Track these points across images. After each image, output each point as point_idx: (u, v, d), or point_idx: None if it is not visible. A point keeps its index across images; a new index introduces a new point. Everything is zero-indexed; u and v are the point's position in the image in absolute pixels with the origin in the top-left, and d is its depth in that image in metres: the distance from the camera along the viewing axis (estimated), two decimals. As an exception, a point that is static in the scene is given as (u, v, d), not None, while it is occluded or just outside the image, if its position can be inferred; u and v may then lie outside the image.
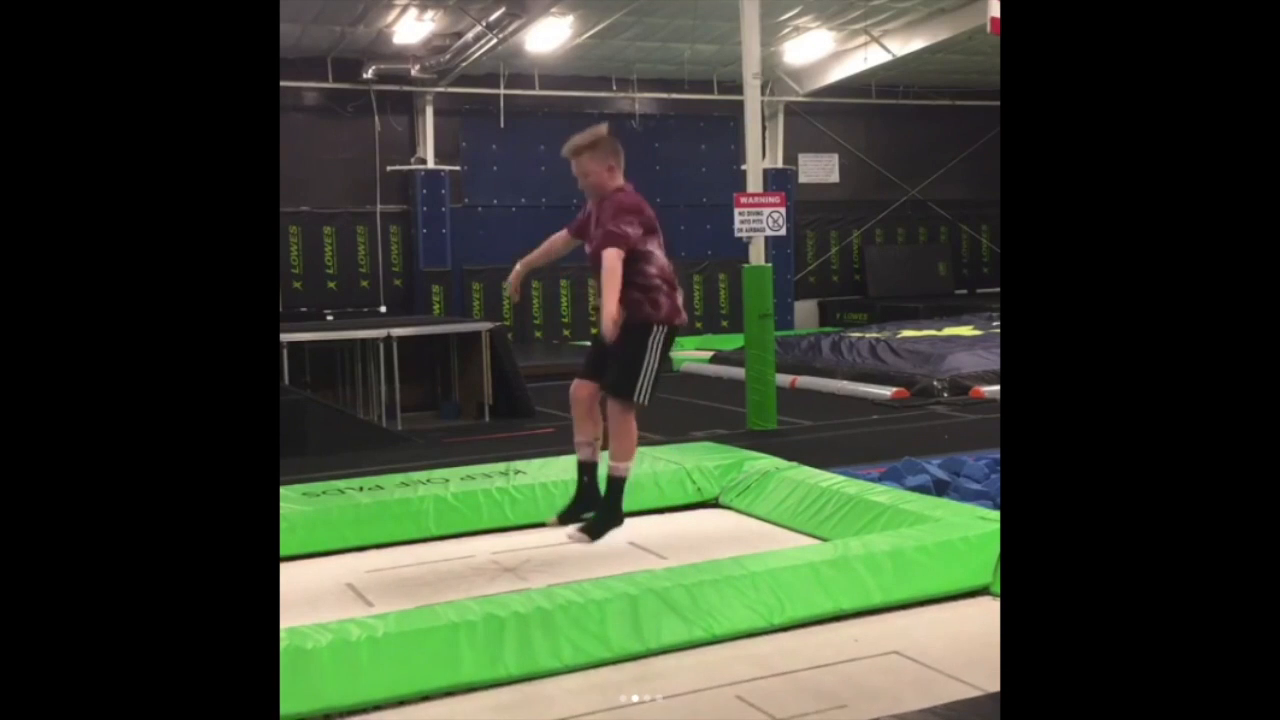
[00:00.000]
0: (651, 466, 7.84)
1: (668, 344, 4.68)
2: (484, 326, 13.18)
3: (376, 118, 19.99)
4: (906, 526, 6.36)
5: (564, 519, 4.86)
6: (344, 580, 6.62)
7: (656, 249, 4.65)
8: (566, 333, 21.15)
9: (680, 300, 4.81)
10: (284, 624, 4.11)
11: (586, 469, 4.96)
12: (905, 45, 19.98)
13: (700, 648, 5.14)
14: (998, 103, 2.91)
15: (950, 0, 18.32)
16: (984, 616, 5.45)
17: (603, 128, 4.71)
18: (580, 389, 4.77)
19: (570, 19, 17.94)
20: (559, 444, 10.44)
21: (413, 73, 19.23)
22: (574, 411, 4.84)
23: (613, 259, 4.54)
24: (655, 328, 4.56)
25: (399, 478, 8.18)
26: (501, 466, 8.43)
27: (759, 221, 11.26)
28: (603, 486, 4.97)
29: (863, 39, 20.29)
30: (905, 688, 4.72)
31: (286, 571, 5.92)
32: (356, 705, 4.65)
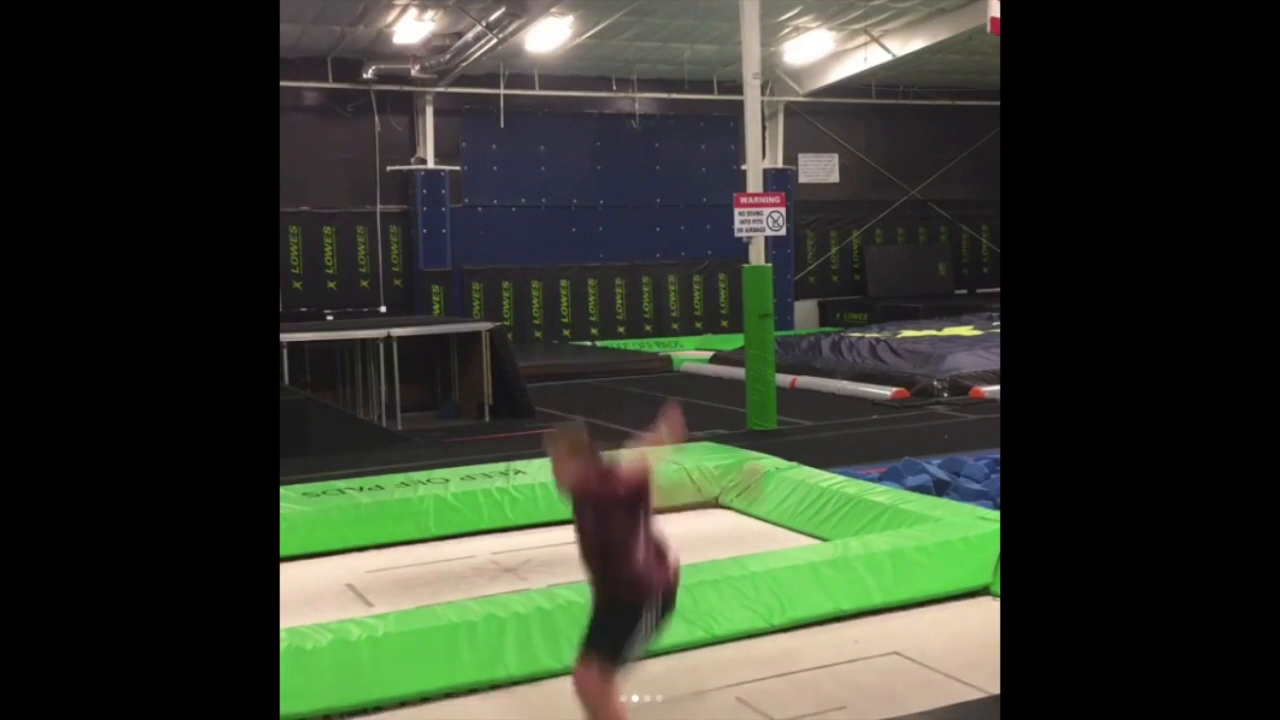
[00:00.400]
0: (651, 466, 7.83)
1: (665, 608, 3.95)
2: (484, 326, 13.17)
3: (376, 118, 20.00)
4: (906, 526, 6.36)
5: None
6: (344, 580, 6.62)
7: (638, 531, 3.86)
8: (566, 333, 21.15)
9: (673, 561, 3.99)
10: (284, 624, 4.11)
11: None
12: (905, 45, 19.99)
13: (701, 648, 5.14)
14: (998, 103, 2.91)
15: (950, 0, 18.32)
16: (984, 616, 5.44)
17: (570, 432, 4.07)
18: (584, 682, 3.84)
19: (570, 19, 17.94)
20: (559, 444, 10.42)
21: (413, 73, 19.23)
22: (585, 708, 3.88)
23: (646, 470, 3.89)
24: (648, 601, 3.88)
25: (399, 478, 8.18)
26: (501, 466, 8.43)
27: (759, 221, 11.26)
28: None
29: (863, 39, 20.29)
30: (905, 688, 4.72)
31: (286, 571, 5.92)
32: (356, 705, 4.65)
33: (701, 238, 21.94)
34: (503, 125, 20.71)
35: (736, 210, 11.31)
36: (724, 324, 22.20)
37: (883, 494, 7.09)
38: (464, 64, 18.95)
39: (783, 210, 11.44)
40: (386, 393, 12.70)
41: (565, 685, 4.64)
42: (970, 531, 6.04)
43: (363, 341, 13.00)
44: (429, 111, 20.29)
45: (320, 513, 7.28)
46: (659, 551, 3.98)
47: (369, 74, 19.36)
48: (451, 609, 5.08)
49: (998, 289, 20.86)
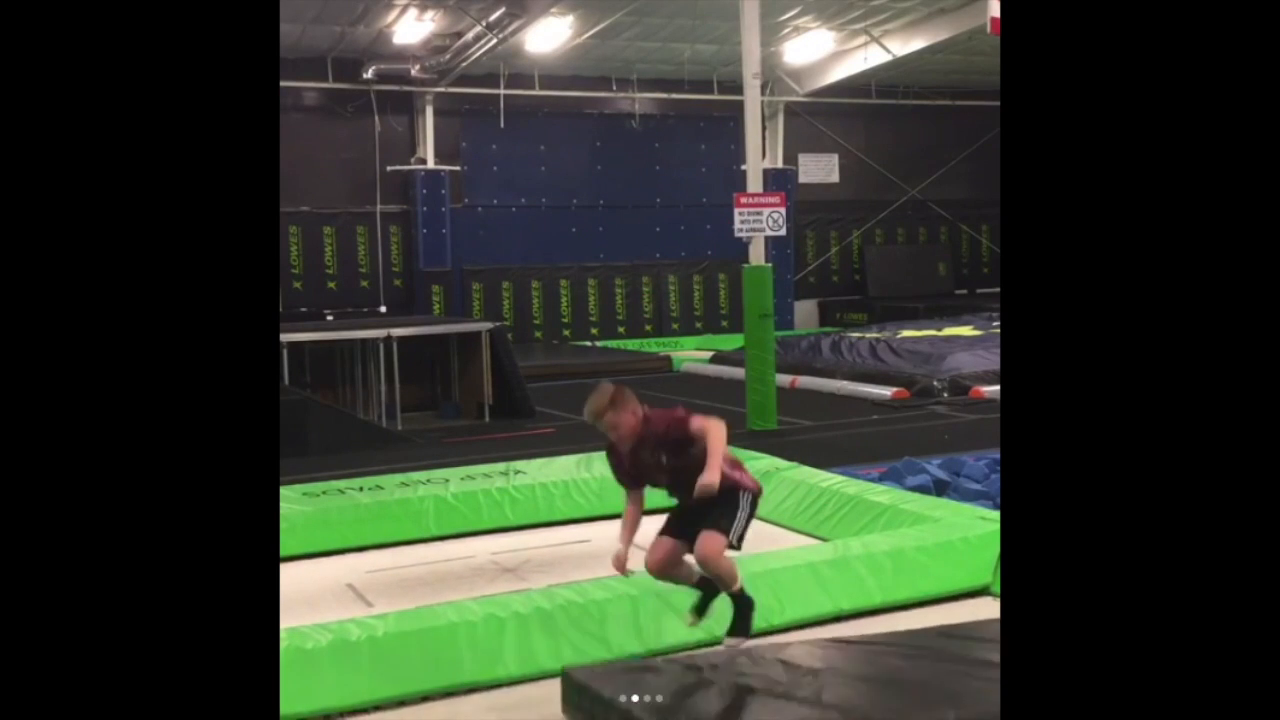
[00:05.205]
0: (651, 466, 7.84)
1: (753, 509, 4.85)
2: (484, 326, 13.17)
3: (376, 118, 20.00)
4: (906, 526, 6.36)
5: (698, 612, 4.92)
6: (344, 580, 6.61)
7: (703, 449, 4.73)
8: (566, 333, 21.15)
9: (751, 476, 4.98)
10: (284, 624, 4.11)
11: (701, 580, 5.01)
12: (905, 45, 19.99)
13: (701, 648, 5.13)
14: (998, 103, 2.91)
15: (950, 0, 18.32)
16: (984, 616, 5.44)
17: (606, 384, 4.81)
18: (659, 549, 4.78)
19: (570, 19, 17.95)
20: (559, 444, 10.44)
21: (413, 73, 19.24)
22: (658, 575, 4.85)
23: (718, 429, 4.67)
24: (742, 491, 4.77)
25: (399, 478, 8.18)
26: (501, 466, 8.42)
27: (759, 221, 11.26)
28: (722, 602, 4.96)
29: (863, 39, 20.30)
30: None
31: (286, 571, 5.92)
32: (356, 705, 4.64)
33: (701, 238, 21.94)
34: (503, 125, 20.71)
35: (736, 210, 11.30)
36: (724, 324, 22.21)
37: (883, 494, 7.09)
38: (464, 64, 18.95)
39: (783, 210, 11.44)
40: (386, 393, 12.70)
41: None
42: (970, 531, 6.04)
43: (363, 341, 13.00)
44: (429, 111, 20.30)
45: (320, 513, 7.28)
46: (735, 464, 4.84)
47: (369, 74, 19.36)
48: (451, 609, 5.08)
49: (998, 289, 20.86)
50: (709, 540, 4.64)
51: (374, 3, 17.16)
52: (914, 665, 4.02)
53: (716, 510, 4.69)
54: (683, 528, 4.81)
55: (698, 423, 4.69)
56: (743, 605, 4.76)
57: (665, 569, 4.82)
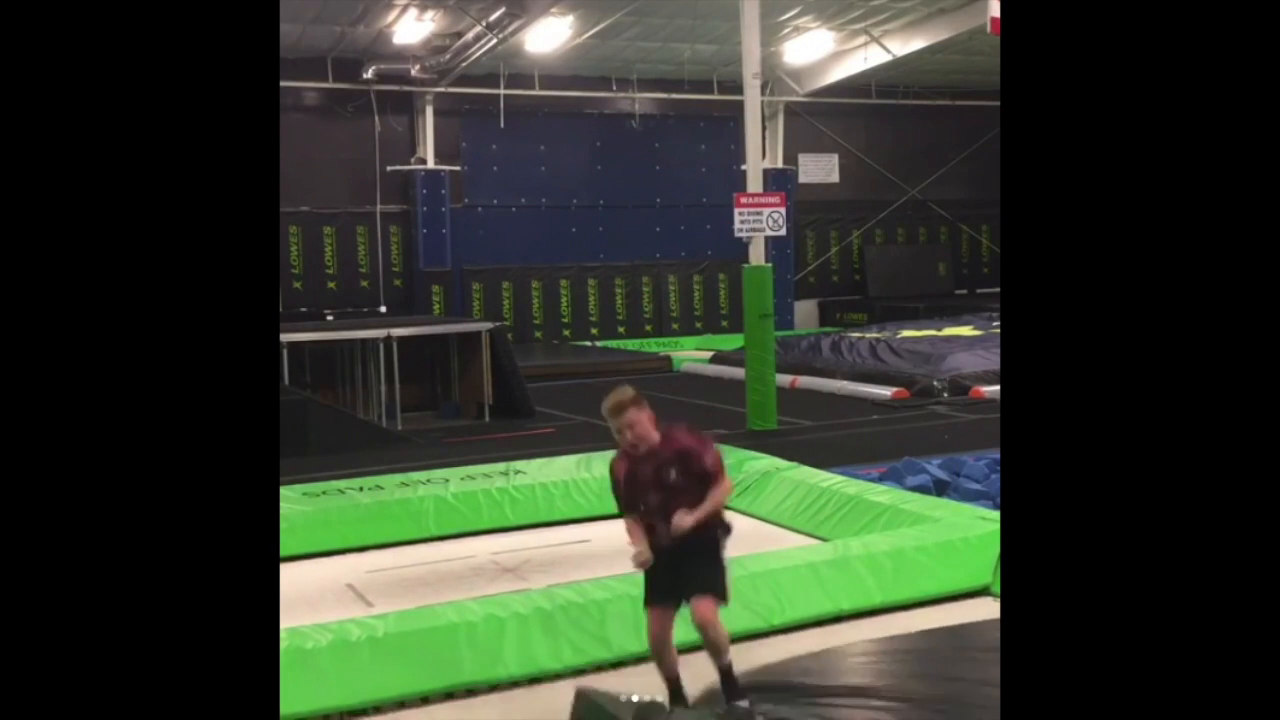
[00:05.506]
0: (651, 466, 7.84)
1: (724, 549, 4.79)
2: (484, 326, 13.17)
3: (376, 118, 20.00)
4: (906, 526, 6.36)
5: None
6: (344, 580, 6.62)
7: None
8: (566, 333, 21.16)
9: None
10: (284, 624, 4.11)
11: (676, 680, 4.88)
12: (905, 45, 20.00)
13: (701, 650, 5.14)
14: (998, 103, 2.91)
15: (950, 0, 18.33)
16: (984, 616, 5.44)
17: (627, 387, 4.74)
18: (659, 624, 4.58)
19: (570, 19, 17.95)
20: (559, 444, 10.45)
21: (413, 73, 19.25)
22: (657, 649, 4.63)
23: (727, 489, 4.65)
24: (720, 531, 4.69)
25: (399, 478, 8.18)
26: (501, 466, 8.43)
27: (759, 221, 11.26)
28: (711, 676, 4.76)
29: (863, 39, 20.31)
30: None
31: (286, 571, 5.92)
32: (356, 705, 4.65)
33: (701, 238, 21.95)
34: (503, 125, 20.72)
35: (736, 210, 11.31)
36: (724, 324, 22.21)
37: (883, 494, 7.09)
38: (464, 64, 18.96)
39: (783, 210, 11.44)
40: (386, 393, 12.71)
41: (566, 686, 4.66)
42: (970, 531, 6.04)
43: (363, 341, 13.01)
44: (429, 111, 20.31)
45: (320, 513, 7.29)
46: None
47: (369, 74, 19.37)
48: (451, 609, 5.09)
49: (998, 289, 20.86)
50: (705, 607, 4.53)
51: (374, 3, 17.17)
52: (913, 680, 4.02)
53: (702, 571, 4.58)
54: (665, 588, 4.62)
55: (723, 472, 4.61)
56: (729, 677, 4.60)
57: (666, 643, 4.64)
